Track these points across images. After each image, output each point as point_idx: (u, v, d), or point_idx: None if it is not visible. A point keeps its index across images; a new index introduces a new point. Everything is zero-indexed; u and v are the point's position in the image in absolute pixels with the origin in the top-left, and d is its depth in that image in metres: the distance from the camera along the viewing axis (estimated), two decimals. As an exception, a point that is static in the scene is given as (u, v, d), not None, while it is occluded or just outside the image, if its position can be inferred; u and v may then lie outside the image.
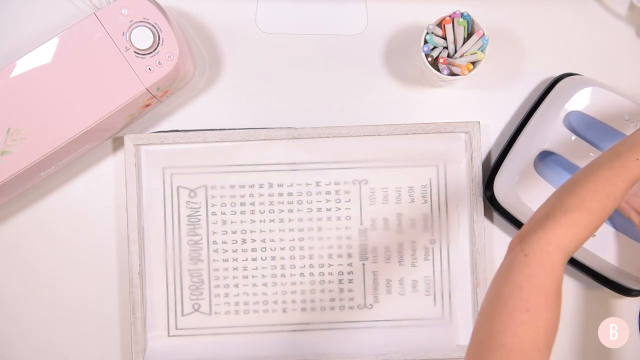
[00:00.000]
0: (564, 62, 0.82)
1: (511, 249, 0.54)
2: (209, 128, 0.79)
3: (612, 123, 0.73)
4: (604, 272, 0.76)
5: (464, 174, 0.79)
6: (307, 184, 0.79)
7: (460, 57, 0.75)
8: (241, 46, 0.81)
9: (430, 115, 0.81)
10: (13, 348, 0.80)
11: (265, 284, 0.79)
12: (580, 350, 0.81)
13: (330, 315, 0.80)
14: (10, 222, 0.80)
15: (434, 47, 0.75)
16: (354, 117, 0.81)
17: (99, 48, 0.71)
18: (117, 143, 0.80)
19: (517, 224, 0.78)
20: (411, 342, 0.79)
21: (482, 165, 0.79)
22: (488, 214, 0.81)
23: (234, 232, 0.79)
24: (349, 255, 0.80)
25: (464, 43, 0.75)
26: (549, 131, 0.74)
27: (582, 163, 0.73)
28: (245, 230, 0.79)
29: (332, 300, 0.80)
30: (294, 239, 0.79)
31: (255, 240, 0.79)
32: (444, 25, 0.75)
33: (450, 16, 0.74)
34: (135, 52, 0.71)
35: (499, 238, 0.81)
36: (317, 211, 0.79)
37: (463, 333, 0.79)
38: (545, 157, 0.77)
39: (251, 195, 0.79)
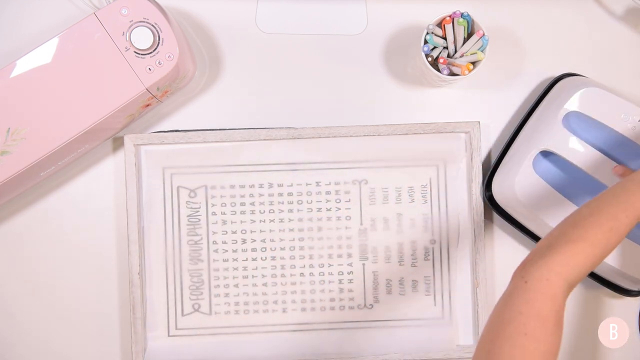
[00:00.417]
0: (564, 62, 0.82)
1: (513, 277, 0.55)
2: (209, 128, 0.79)
3: (611, 123, 0.73)
4: (605, 274, 0.76)
5: (464, 174, 0.80)
6: (307, 184, 0.79)
7: (460, 57, 0.75)
8: (241, 46, 0.81)
9: (430, 115, 0.81)
10: (13, 348, 0.80)
11: (265, 284, 0.79)
12: (580, 350, 0.81)
13: (330, 315, 0.80)
14: (10, 222, 0.80)
15: (434, 47, 0.75)
16: (354, 117, 0.81)
17: (99, 48, 0.71)
18: (117, 143, 0.80)
19: (517, 224, 0.78)
20: (411, 342, 0.79)
21: (482, 165, 0.79)
22: (488, 214, 0.81)
23: (234, 232, 0.79)
24: (349, 255, 0.80)
25: (464, 43, 0.75)
26: (547, 131, 0.74)
27: (580, 163, 0.73)
28: (245, 230, 0.79)
29: (332, 300, 0.80)
30: (294, 239, 0.79)
31: (255, 240, 0.79)
32: (444, 25, 0.75)
33: (450, 16, 0.74)
34: (135, 52, 0.71)
35: (499, 238, 0.81)
36: (317, 211, 0.79)
37: (463, 333, 0.79)
38: (544, 157, 0.77)
39: (251, 195, 0.79)
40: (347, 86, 0.81)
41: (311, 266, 0.79)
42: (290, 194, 0.79)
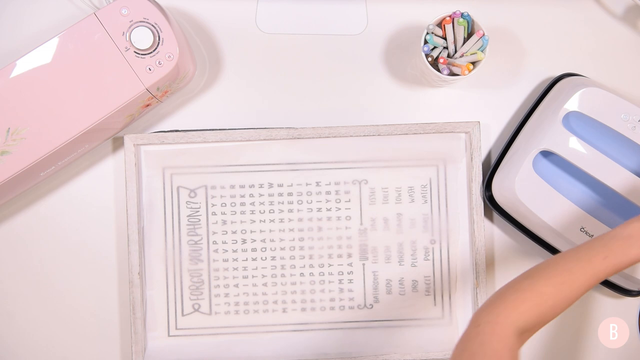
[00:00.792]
0: (564, 62, 0.82)
1: (469, 323, 0.58)
2: (209, 128, 0.79)
3: (610, 123, 0.73)
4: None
5: (464, 174, 0.80)
6: (307, 184, 0.79)
7: (460, 57, 0.75)
8: (241, 46, 0.81)
9: (430, 115, 0.81)
10: (12, 348, 0.80)
11: (265, 284, 0.79)
12: (580, 350, 0.81)
13: (330, 315, 0.80)
14: (10, 222, 0.80)
15: (434, 47, 0.75)
16: (354, 117, 0.81)
17: (99, 48, 0.71)
18: (117, 143, 0.80)
19: (517, 224, 0.78)
20: (411, 342, 0.79)
21: (482, 165, 0.79)
22: (488, 214, 0.81)
23: (234, 232, 0.79)
24: (349, 255, 0.80)
25: (464, 43, 0.75)
26: (547, 131, 0.74)
27: (580, 163, 0.73)
28: (245, 230, 0.79)
29: (332, 300, 0.80)
30: (294, 239, 0.79)
31: (255, 240, 0.79)
32: (444, 25, 0.75)
33: (450, 16, 0.74)
34: (135, 52, 0.71)
35: (498, 238, 0.81)
36: (317, 211, 0.79)
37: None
38: (544, 157, 0.77)
39: (251, 195, 0.79)
40: (347, 86, 0.81)
41: (311, 266, 0.79)
42: (290, 194, 0.79)
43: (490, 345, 0.54)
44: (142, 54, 0.71)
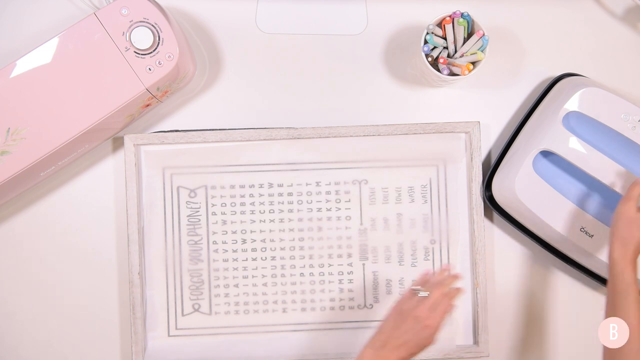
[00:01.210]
0: (564, 62, 0.82)
1: None
2: (209, 128, 0.79)
3: (611, 124, 0.73)
4: (604, 273, 0.76)
5: (464, 174, 0.79)
6: (307, 184, 0.79)
7: (461, 57, 0.75)
8: (241, 46, 0.81)
9: (430, 115, 0.81)
10: (13, 348, 0.80)
11: (265, 284, 0.79)
12: (580, 350, 0.81)
13: (330, 315, 0.80)
14: (11, 222, 0.80)
15: (434, 47, 0.75)
16: (354, 117, 0.81)
17: (99, 48, 0.71)
18: (117, 143, 0.80)
19: (517, 224, 0.78)
20: (411, 342, 0.79)
21: (482, 165, 0.79)
22: (488, 214, 0.81)
23: (234, 232, 0.79)
24: (349, 255, 0.80)
25: (464, 43, 0.75)
26: (547, 131, 0.74)
27: (580, 163, 0.73)
28: (245, 230, 0.79)
29: (332, 300, 0.80)
30: (294, 239, 0.79)
31: (255, 240, 0.79)
32: (444, 25, 0.75)
33: (450, 16, 0.74)
34: (135, 52, 0.71)
35: (498, 238, 0.81)
36: (317, 211, 0.79)
37: (463, 333, 0.79)
38: (544, 157, 0.77)
39: (251, 195, 0.79)
40: (347, 86, 0.81)
41: (311, 266, 0.79)
42: (290, 194, 0.79)
43: None
44: (142, 54, 0.71)
